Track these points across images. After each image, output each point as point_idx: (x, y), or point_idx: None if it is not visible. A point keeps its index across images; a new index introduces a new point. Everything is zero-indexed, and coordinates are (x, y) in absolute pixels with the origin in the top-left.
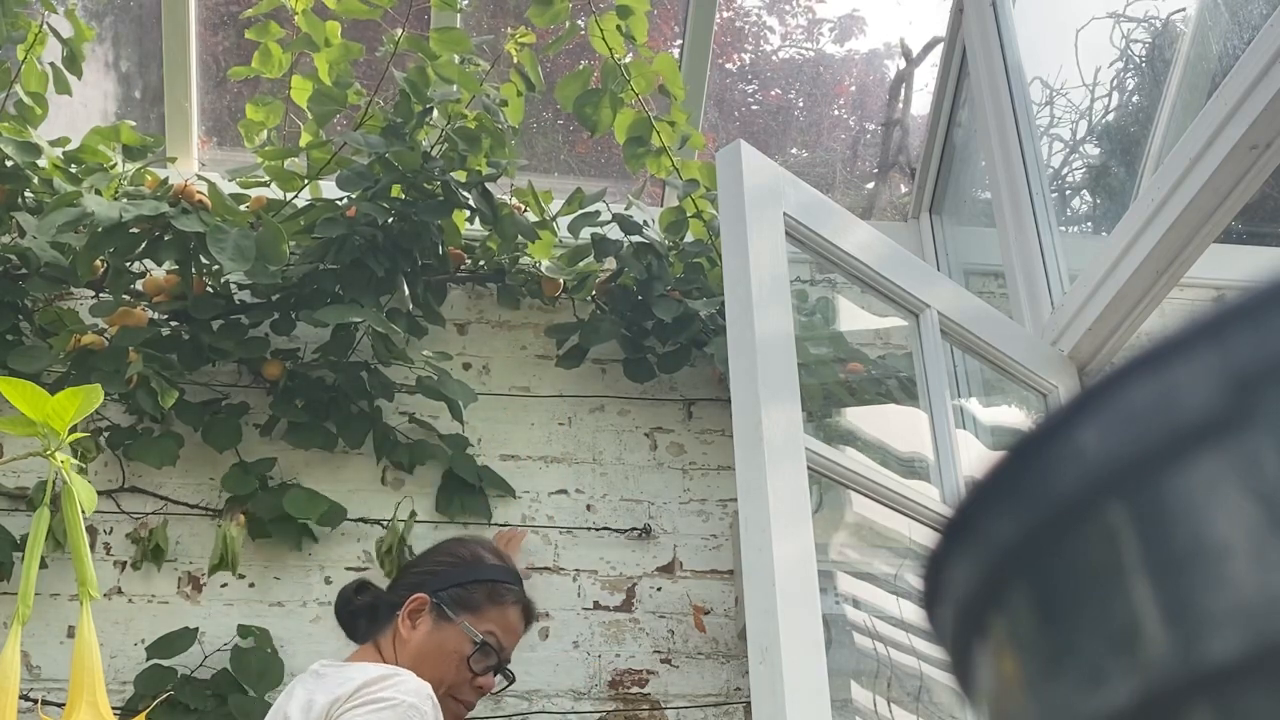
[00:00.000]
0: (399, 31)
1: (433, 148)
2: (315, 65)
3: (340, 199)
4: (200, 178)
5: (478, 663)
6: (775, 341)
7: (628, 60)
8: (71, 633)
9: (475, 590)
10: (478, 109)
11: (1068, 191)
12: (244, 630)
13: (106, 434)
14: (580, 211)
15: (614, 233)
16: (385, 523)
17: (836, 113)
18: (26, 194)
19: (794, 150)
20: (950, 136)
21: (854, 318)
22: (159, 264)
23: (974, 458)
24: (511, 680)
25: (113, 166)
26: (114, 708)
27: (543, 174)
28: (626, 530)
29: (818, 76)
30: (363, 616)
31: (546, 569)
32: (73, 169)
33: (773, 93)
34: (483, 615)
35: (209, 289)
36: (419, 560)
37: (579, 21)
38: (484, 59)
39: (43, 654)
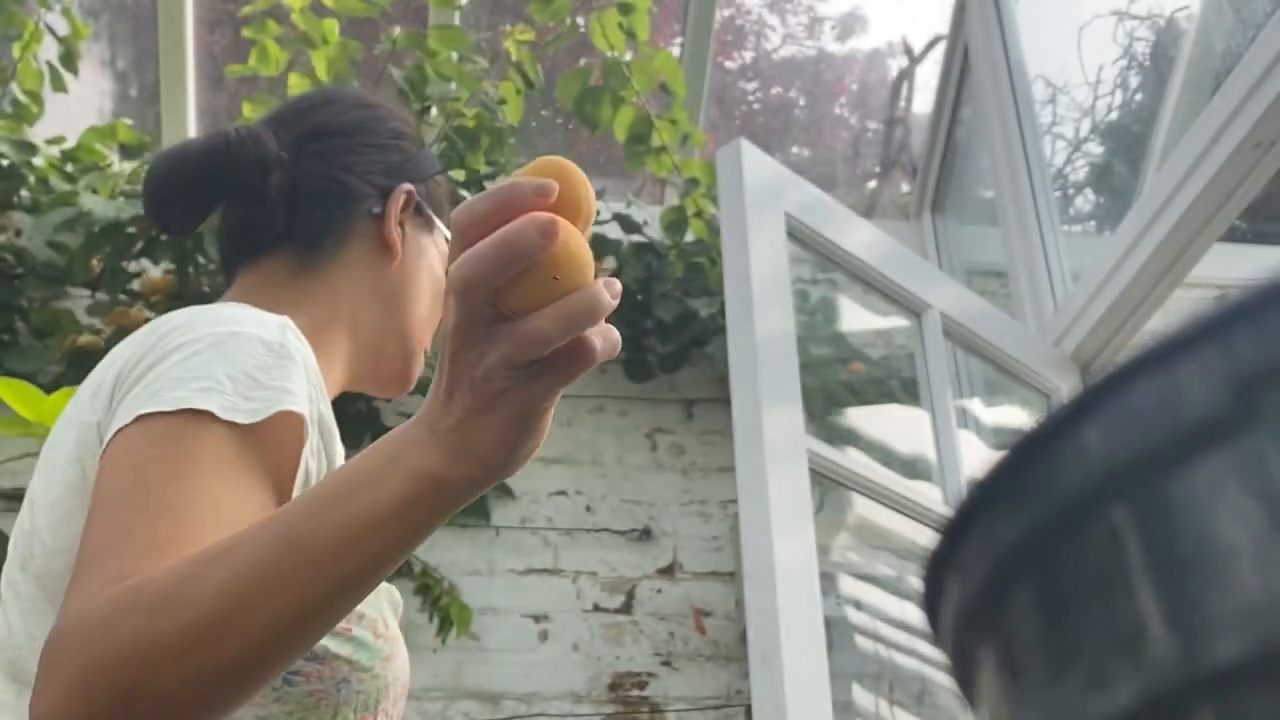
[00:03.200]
0: (397, 29)
1: (431, 146)
2: (313, 63)
3: None
4: None
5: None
6: (776, 342)
7: (628, 58)
8: None
9: (437, 183)
10: (476, 107)
11: (1070, 190)
12: None
13: None
14: None
15: (614, 232)
16: None
17: (838, 111)
18: (22, 193)
19: (795, 149)
20: (953, 135)
21: (856, 317)
22: (156, 264)
23: (976, 458)
24: None
25: (109, 165)
26: None
27: None
28: (626, 532)
29: (819, 75)
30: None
31: (546, 570)
32: (69, 168)
33: (774, 91)
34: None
35: (206, 289)
36: (331, 119)
37: (579, 19)
38: (483, 57)
39: None
